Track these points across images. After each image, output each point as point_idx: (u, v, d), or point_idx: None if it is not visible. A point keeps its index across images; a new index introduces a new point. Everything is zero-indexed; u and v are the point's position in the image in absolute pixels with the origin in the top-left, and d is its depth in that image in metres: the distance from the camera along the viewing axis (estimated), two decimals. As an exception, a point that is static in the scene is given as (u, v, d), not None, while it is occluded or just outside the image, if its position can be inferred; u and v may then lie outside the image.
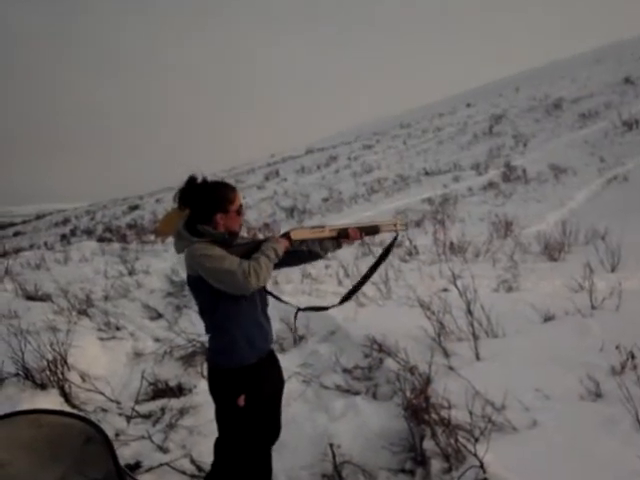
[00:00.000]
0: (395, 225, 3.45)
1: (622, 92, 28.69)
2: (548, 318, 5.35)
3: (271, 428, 3.31)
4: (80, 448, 1.61)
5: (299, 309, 3.44)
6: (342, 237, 3.29)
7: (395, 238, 3.51)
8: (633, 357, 3.95)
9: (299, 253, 3.29)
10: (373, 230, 3.38)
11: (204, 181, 2.99)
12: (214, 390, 3.11)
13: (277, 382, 3.34)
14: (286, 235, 3.12)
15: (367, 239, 11.85)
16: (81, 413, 4.78)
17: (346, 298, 3.51)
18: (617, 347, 4.06)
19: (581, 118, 25.82)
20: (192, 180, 2.97)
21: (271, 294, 3.26)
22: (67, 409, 4.77)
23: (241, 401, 2.98)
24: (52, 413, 1.70)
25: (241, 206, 3.06)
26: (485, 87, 61.32)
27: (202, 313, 3.06)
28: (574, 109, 28.59)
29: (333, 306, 3.52)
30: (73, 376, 5.26)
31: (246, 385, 3.01)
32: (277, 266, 3.17)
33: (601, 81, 34.31)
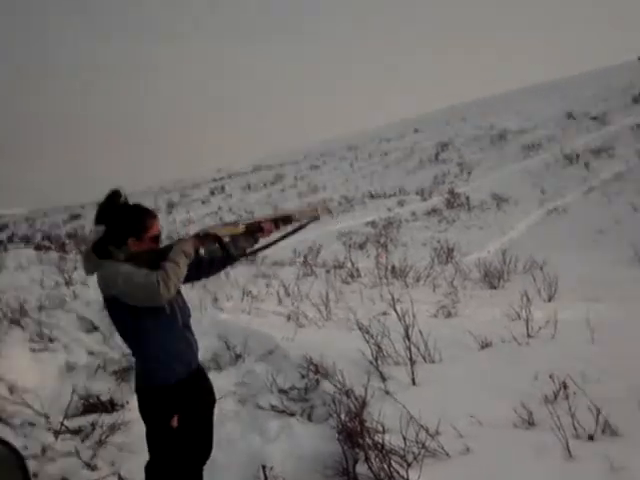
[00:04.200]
0: (316, 210, 3.35)
1: (564, 126, 29.40)
2: (485, 345, 5.40)
3: (203, 447, 3.25)
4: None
5: (246, 253, 3.30)
6: (256, 232, 3.21)
7: (316, 217, 3.38)
8: (565, 387, 4.00)
9: (215, 259, 3.22)
10: (289, 219, 3.28)
11: (124, 202, 2.93)
12: (144, 411, 3.03)
13: (208, 398, 3.29)
14: (197, 236, 3.01)
15: (307, 257, 11.85)
16: (7, 427, 4.65)
17: (275, 242, 3.36)
18: (551, 376, 4.10)
19: (524, 149, 26.32)
20: (113, 196, 2.90)
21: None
22: (-8, 422, 4.63)
23: (174, 422, 2.92)
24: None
25: (159, 234, 2.99)
26: (433, 114, 62.16)
27: (123, 336, 2.99)
28: (518, 140, 29.16)
29: (273, 243, 3.36)
30: (1, 388, 5.11)
31: (178, 403, 2.95)
32: (195, 277, 3.12)
33: (545, 115, 35.09)
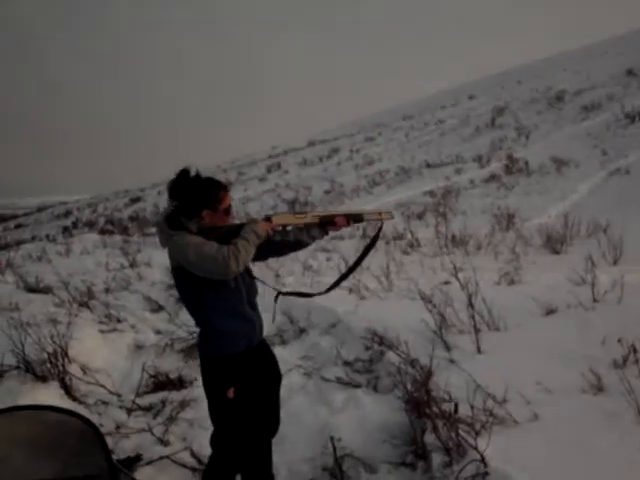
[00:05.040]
0: (380, 214, 3.47)
1: (625, 84, 28.62)
2: (550, 311, 5.33)
3: (268, 421, 3.31)
4: (76, 444, 1.61)
5: (279, 293, 3.44)
6: (328, 224, 3.30)
7: (380, 227, 3.58)
8: (635, 351, 3.93)
9: (286, 242, 3.29)
10: (358, 218, 3.41)
11: (196, 176, 2.98)
12: (205, 381, 3.13)
13: (270, 373, 3.34)
14: (268, 219, 3.10)
15: (365, 230, 11.86)
16: (81, 406, 4.79)
17: (332, 288, 3.51)
18: (619, 340, 4.04)
19: (583, 110, 25.76)
20: (184, 173, 2.96)
21: (255, 277, 3.25)
22: (67, 402, 4.77)
23: (230, 393, 2.99)
24: (47, 409, 1.69)
25: (230, 206, 3.06)
26: (487, 79, 61.19)
27: (187, 306, 3.07)
28: (576, 101, 28.54)
29: (317, 294, 3.53)
30: (74, 368, 5.26)
31: (235, 375, 3.01)
32: (264, 256, 3.19)
33: (604, 73, 34.22)
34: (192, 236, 2.83)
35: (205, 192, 2.94)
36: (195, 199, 2.92)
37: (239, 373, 3.03)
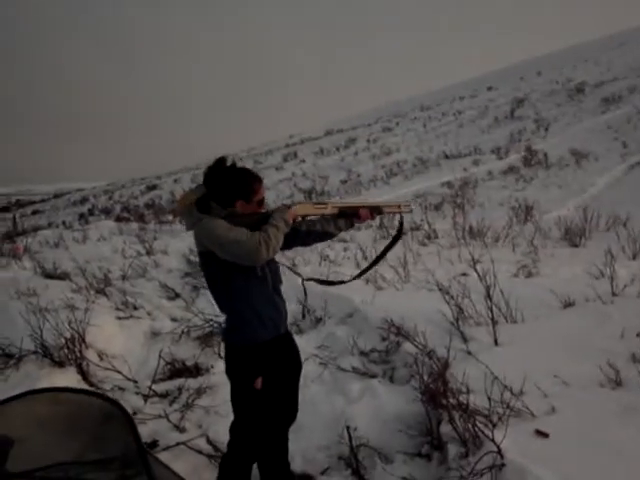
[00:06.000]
0: (399, 207, 3.45)
1: (646, 76, 28.36)
2: (568, 304, 5.31)
3: (288, 410, 3.31)
4: (98, 426, 1.61)
5: (306, 279, 3.42)
6: (352, 216, 3.29)
7: (402, 221, 3.55)
8: (654, 345, 3.91)
9: (312, 232, 3.27)
10: (378, 210, 3.39)
11: (233, 165, 2.97)
12: (230, 369, 3.09)
13: (294, 363, 3.32)
14: (288, 208, 3.08)
15: (382, 220, 11.85)
16: (98, 391, 4.81)
17: (356, 278, 3.50)
18: (638, 334, 4.02)
19: (604, 102, 25.56)
20: (221, 161, 2.94)
21: (282, 264, 3.24)
22: (84, 387, 4.80)
23: (258, 384, 2.97)
24: (70, 391, 1.70)
25: (263, 198, 3.04)
26: (506, 70, 60.84)
27: (213, 291, 3.05)
28: (597, 93, 28.32)
29: (340, 282, 3.52)
30: (91, 354, 5.29)
31: (262, 364, 3.00)
32: (289, 245, 3.16)
33: (625, 65, 33.92)
34: (221, 220, 2.81)
35: (240, 183, 2.92)
36: (230, 189, 2.90)
37: (266, 362, 3.02)
